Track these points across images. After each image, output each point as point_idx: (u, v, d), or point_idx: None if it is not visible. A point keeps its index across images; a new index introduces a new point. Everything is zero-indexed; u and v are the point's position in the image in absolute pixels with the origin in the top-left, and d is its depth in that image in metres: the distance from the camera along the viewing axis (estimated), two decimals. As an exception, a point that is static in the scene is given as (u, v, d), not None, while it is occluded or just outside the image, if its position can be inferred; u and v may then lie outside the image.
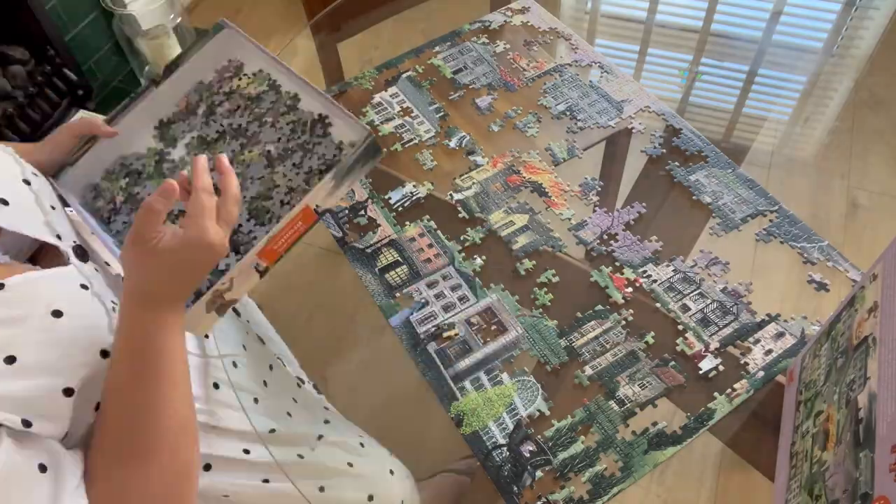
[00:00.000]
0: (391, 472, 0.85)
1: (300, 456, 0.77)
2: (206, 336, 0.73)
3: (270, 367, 0.84)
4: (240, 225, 0.67)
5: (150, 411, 0.52)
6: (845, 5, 1.30)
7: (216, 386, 0.72)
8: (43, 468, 0.46)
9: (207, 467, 0.69)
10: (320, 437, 0.81)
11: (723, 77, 1.21)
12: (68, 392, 0.50)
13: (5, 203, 0.56)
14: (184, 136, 0.76)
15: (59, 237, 0.59)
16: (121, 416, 0.52)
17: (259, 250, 0.65)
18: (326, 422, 0.85)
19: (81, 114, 1.73)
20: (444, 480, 0.96)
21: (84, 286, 0.55)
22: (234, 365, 0.77)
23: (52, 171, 0.72)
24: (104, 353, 0.53)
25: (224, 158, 0.61)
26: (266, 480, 0.73)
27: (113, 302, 0.58)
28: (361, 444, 0.86)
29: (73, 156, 0.75)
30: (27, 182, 0.60)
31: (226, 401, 0.72)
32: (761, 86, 1.19)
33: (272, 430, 0.74)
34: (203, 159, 0.59)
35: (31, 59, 1.68)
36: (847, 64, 1.22)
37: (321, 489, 0.76)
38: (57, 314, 0.51)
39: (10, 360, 0.46)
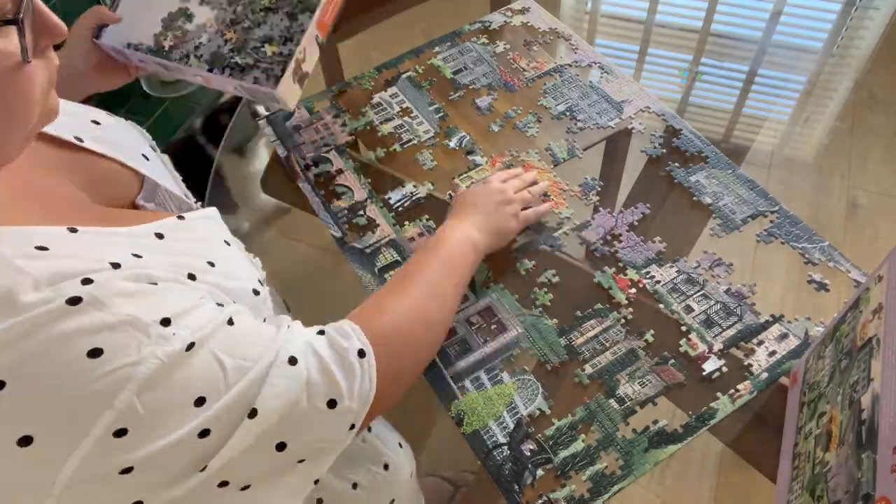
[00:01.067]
0: (399, 444, 0.86)
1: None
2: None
3: None
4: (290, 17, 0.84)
5: (418, 269, 0.73)
6: (845, 5, 1.30)
7: None
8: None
9: None
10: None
11: (723, 77, 1.21)
12: (255, 292, 0.56)
13: (146, 158, 0.63)
14: None
15: (186, 196, 0.66)
16: (402, 270, 0.74)
17: (316, 21, 0.81)
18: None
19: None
20: (427, 483, 0.96)
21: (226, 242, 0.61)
22: None
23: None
24: (255, 292, 0.58)
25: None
26: None
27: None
28: (400, 445, 0.87)
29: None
30: (153, 148, 0.67)
31: None
32: (761, 86, 1.19)
33: None
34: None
35: (30, 59, 1.68)
36: (847, 64, 1.22)
37: (354, 486, 0.76)
38: (227, 244, 0.58)
39: (211, 264, 0.52)
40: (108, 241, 0.47)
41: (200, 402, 0.43)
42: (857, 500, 0.51)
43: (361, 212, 0.98)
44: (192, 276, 0.48)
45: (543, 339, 0.83)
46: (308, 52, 0.81)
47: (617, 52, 1.27)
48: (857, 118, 1.13)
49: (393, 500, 0.83)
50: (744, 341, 0.81)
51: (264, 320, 0.56)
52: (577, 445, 0.74)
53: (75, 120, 0.59)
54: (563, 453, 0.74)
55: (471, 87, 1.14)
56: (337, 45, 1.35)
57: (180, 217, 0.55)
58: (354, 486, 0.78)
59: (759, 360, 0.79)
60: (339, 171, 1.03)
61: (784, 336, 0.81)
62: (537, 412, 0.77)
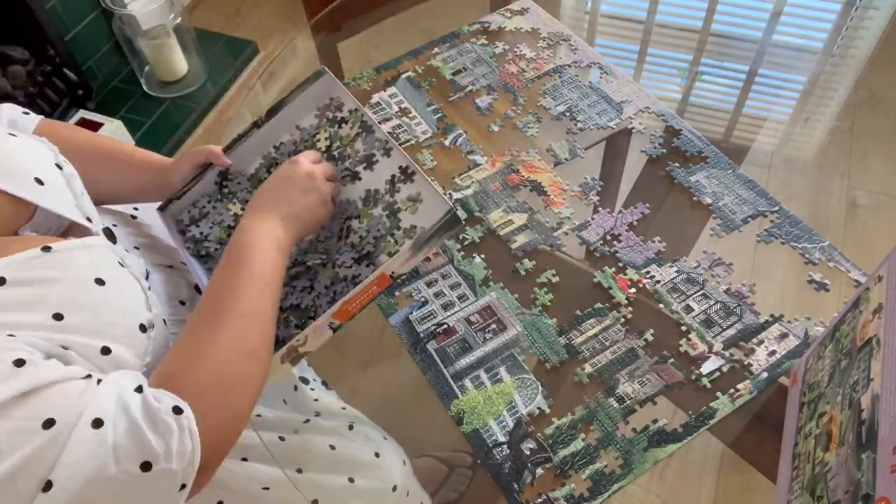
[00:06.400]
0: (376, 454, 0.85)
1: (281, 438, 0.77)
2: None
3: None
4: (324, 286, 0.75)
5: (226, 295, 0.60)
6: (845, 5, 1.30)
7: None
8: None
9: None
10: (307, 420, 0.82)
11: (723, 77, 1.21)
12: (105, 351, 0.52)
13: (41, 182, 0.58)
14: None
15: (89, 220, 0.62)
16: (204, 301, 0.61)
17: (334, 312, 0.71)
18: (317, 414, 0.85)
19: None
20: (422, 462, 0.97)
21: (120, 263, 0.59)
22: None
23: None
24: (142, 328, 0.56)
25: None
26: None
27: (147, 280, 0.62)
28: (350, 427, 0.86)
29: (182, 189, 0.80)
30: (59, 166, 0.63)
31: None
32: (761, 86, 1.19)
33: (257, 415, 0.76)
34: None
35: (31, 59, 1.68)
36: (847, 64, 1.22)
37: (299, 471, 0.76)
38: (100, 282, 0.54)
39: (58, 317, 0.49)
40: None
41: None
42: (857, 500, 0.51)
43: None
44: (10, 335, 0.46)
45: (543, 338, 0.83)
46: (312, 339, 0.72)
47: (617, 52, 1.27)
48: (857, 118, 1.13)
49: (395, 487, 0.84)
50: (743, 341, 0.81)
51: (145, 365, 0.55)
52: (577, 444, 0.74)
53: None
54: (563, 452, 0.74)
55: (470, 87, 1.14)
56: (337, 45, 1.35)
57: (45, 248, 0.52)
58: (351, 480, 0.78)
59: (759, 360, 0.79)
60: (339, 171, 1.03)
61: (784, 336, 0.81)
62: (537, 411, 0.77)
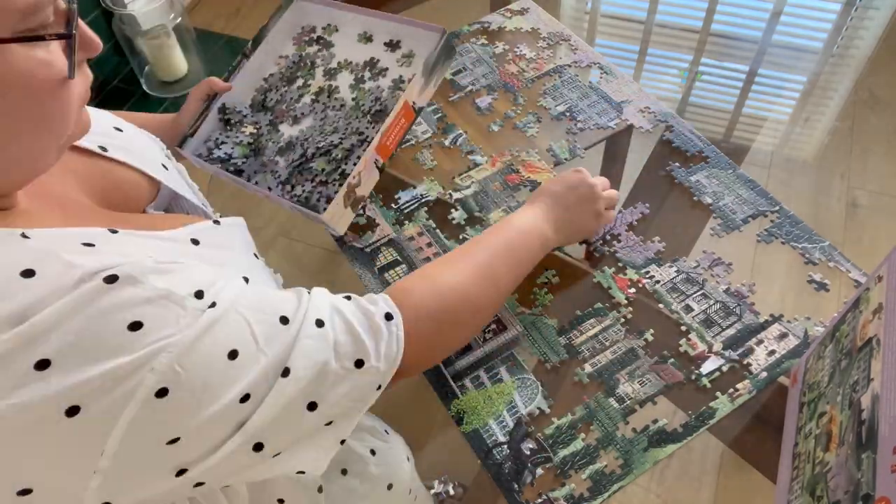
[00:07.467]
0: (407, 459, 0.87)
1: None
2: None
3: None
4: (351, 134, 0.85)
5: (485, 257, 0.69)
6: (845, 5, 1.30)
7: None
8: None
9: None
10: None
11: (723, 77, 1.21)
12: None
13: (165, 168, 0.64)
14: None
15: (204, 206, 0.68)
16: (468, 247, 0.70)
17: (375, 146, 0.79)
18: None
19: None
20: None
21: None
22: None
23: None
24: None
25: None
26: None
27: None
28: (386, 432, 0.88)
29: (192, 127, 0.88)
30: (168, 158, 0.68)
31: None
32: (761, 86, 1.19)
33: None
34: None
35: (30, 59, 1.68)
36: (847, 64, 1.22)
37: (343, 472, 0.77)
38: (257, 256, 0.59)
39: (246, 280, 0.52)
40: (149, 243, 0.48)
41: (234, 355, 0.44)
42: (857, 500, 0.51)
43: (361, 211, 0.98)
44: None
45: (543, 338, 0.83)
46: (364, 177, 0.79)
47: (617, 52, 1.27)
48: (857, 118, 1.13)
49: (391, 485, 0.83)
50: (743, 341, 0.81)
51: None
52: (577, 444, 0.74)
53: (98, 126, 0.59)
54: (563, 452, 0.74)
55: (470, 88, 1.14)
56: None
57: (216, 222, 0.56)
58: (344, 472, 0.78)
59: (759, 360, 0.79)
60: (339, 171, 1.04)
61: (783, 336, 0.81)
62: (537, 411, 0.77)
